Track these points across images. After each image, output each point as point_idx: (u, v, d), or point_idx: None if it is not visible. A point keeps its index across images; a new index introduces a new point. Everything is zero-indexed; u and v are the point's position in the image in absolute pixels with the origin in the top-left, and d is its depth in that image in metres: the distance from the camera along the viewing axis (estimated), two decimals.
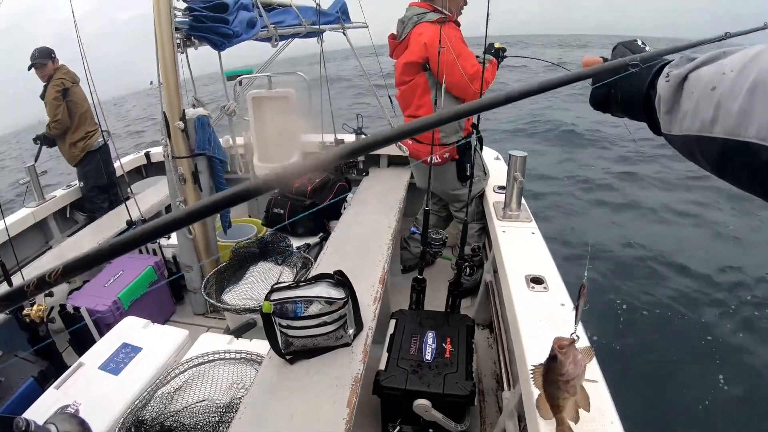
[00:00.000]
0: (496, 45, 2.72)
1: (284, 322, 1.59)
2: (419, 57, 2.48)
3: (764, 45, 0.50)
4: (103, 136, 3.79)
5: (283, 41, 3.17)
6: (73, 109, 3.64)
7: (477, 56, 2.56)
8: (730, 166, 0.52)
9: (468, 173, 2.63)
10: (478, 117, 2.55)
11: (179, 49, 2.08)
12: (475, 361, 1.90)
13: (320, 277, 1.71)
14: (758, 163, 0.47)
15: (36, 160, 3.55)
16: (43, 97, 3.63)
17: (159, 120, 2.26)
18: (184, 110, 2.16)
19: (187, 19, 2.06)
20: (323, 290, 1.63)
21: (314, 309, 1.60)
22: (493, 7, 1.99)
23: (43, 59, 3.56)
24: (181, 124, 2.17)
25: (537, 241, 2.12)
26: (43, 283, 0.39)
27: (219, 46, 2.21)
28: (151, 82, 2.18)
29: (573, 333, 1.01)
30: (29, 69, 3.61)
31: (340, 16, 3.57)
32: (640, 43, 0.76)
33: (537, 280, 1.75)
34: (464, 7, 2.63)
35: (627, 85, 0.73)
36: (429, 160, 2.51)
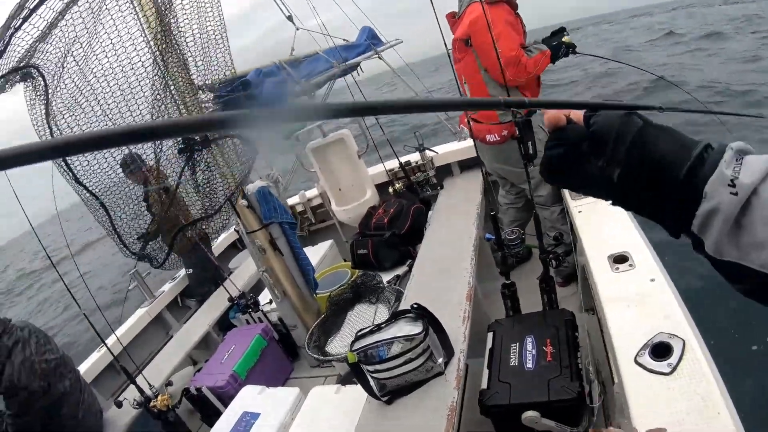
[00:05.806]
0: (565, 38, 2.43)
1: (371, 368, 1.60)
2: (463, 34, 2.46)
3: None
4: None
5: (323, 87, 3.25)
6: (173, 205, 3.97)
7: (525, 45, 2.45)
8: None
9: (532, 151, 2.47)
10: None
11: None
12: (586, 355, 1.74)
13: (398, 315, 1.71)
14: None
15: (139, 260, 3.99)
16: (146, 199, 4.00)
17: None
18: (242, 189, 2.30)
19: (217, 108, 2.20)
20: (400, 329, 1.63)
21: (396, 348, 1.58)
22: None
23: (135, 165, 3.91)
24: (245, 202, 2.31)
25: (618, 214, 1.92)
26: None
27: None
28: None
29: None
30: (126, 176, 4.01)
31: (371, 42, 3.58)
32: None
33: (621, 259, 1.60)
34: None
35: (648, 164, 0.49)
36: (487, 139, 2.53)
